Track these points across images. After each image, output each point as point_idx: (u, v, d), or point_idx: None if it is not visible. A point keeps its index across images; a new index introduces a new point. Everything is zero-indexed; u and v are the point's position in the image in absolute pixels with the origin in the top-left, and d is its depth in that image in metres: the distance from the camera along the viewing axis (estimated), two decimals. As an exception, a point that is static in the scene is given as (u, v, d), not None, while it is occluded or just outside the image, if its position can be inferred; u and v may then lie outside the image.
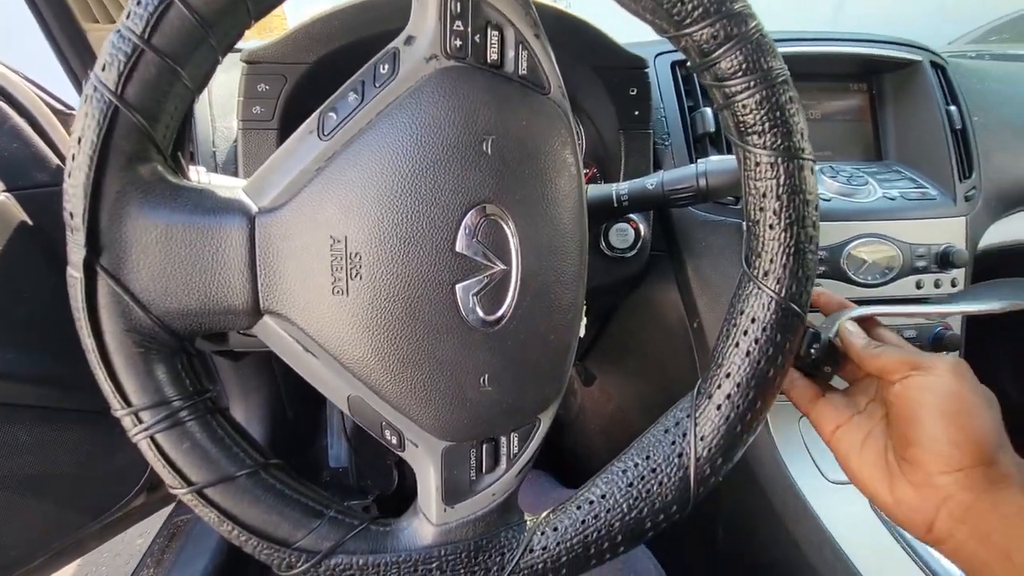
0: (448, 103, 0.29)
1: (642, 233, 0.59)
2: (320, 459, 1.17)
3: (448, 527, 0.33)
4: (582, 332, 0.47)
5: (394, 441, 0.33)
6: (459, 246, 0.29)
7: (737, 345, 0.33)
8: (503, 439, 0.33)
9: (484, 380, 0.31)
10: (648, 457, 0.34)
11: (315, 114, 0.30)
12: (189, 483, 0.30)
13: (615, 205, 0.47)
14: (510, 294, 0.30)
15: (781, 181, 0.31)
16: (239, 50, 0.53)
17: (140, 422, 0.29)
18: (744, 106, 0.30)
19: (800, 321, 0.33)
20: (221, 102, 0.57)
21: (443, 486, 0.32)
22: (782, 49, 0.66)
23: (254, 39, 0.54)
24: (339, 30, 0.49)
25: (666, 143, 0.61)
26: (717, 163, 0.44)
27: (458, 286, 0.30)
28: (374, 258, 0.29)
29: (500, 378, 0.31)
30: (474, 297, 0.30)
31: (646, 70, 0.56)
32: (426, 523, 0.33)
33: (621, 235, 0.58)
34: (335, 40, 0.50)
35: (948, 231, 0.62)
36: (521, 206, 0.30)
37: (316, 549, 0.31)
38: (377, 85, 0.30)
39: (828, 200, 0.61)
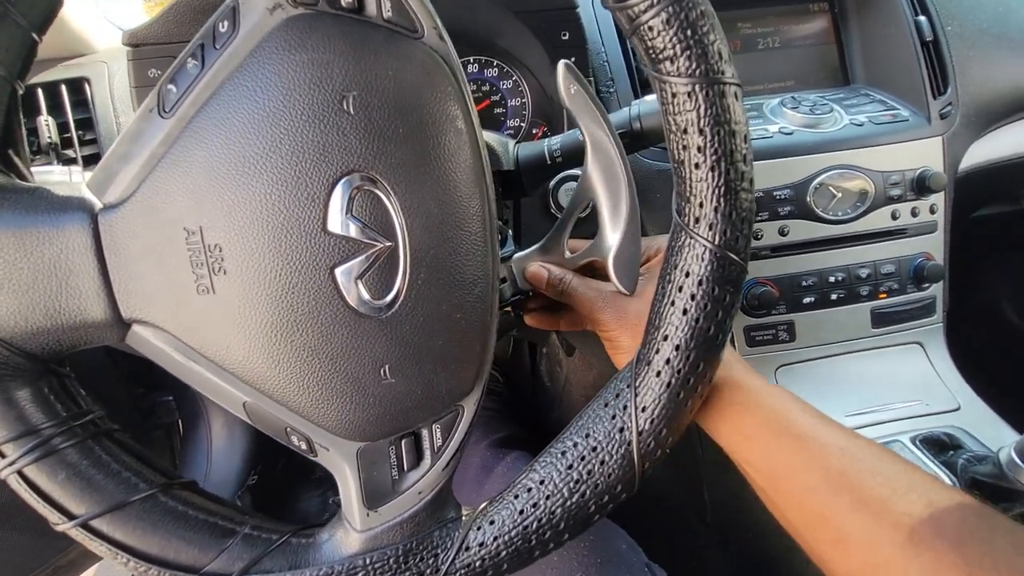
0: (297, 58, 0.25)
1: (593, 191, 0.55)
2: (313, 456, 1.16)
3: (373, 532, 0.30)
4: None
5: (303, 447, 0.30)
6: (331, 225, 0.26)
7: (673, 304, 0.30)
8: (424, 432, 0.30)
9: (385, 371, 0.28)
10: (588, 435, 0.31)
11: (155, 88, 0.26)
12: (71, 516, 0.27)
13: (548, 162, 0.43)
14: (400, 273, 0.27)
15: (701, 112, 0.27)
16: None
17: (3, 456, 0.26)
18: (651, 28, 0.26)
19: (740, 270, 0.29)
20: (122, 95, 0.52)
21: (363, 489, 0.30)
22: (732, -29, 0.61)
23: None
24: (225, -2, 0.44)
25: (611, 90, 0.56)
26: (651, 103, 0.40)
27: (337, 270, 0.26)
28: (237, 249, 0.25)
29: (403, 367, 0.28)
30: (358, 281, 0.26)
31: (576, 10, 0.51)
32: (350, 531, 0.30)
33: (570, 195, 0.54)
34: (224, 11, 0.45)
35: (923, 154, 0.58)
36: (399, 171, 0.26)
37: (227, 571, 0.29)
38: (217, 47, 0.26)
39: (790, 133, 0.56)
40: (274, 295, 0.26)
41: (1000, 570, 0.24)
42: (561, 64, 0.34)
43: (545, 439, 0.33)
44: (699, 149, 0.28)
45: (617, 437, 0.30)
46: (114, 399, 0.89)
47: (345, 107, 0.25)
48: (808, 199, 0.55)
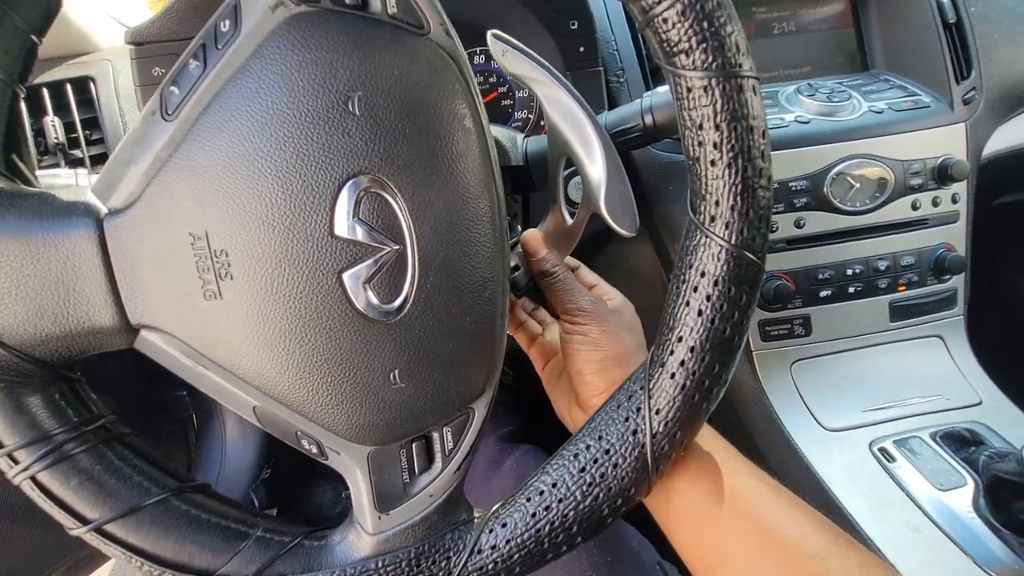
0: (300, 58, 0.24)
1: (603, 184, 0.54)
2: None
3: (385, 535, 0.30)
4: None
5: (314, 450, 0.30)
6: (338, 229, 0.25)
7: (688, 304, 0.29)
8: (435, 435, 0.30)
9: (395, 376, 0.27)
10: (600, 437, 0.30)
11: (157, 90, 0.26)
12: (85, 521, 0.27)
13: (558, 156, 0.42)
14: (409, 277, 0.26)
15: (718, 107, 0.26)
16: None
17: (16, 463, 0.26)
18: (665, 20, 0.25)
19: (757, 270, 0.28)
20: (127, 94, 0.52)
21: (374, 492, 0.29)
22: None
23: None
24: (227, -6, 0.44)
25: (621, 79, 0.55)
26: (663, 95, 0.38)
27: (345, 275, 0.25)
28: (243, 254, 0.25)
29: (412, 373, 0.27)
30: (366, 285, 0.26)
31: (585, -2, 0.50)
32: (362, 534, 0.30)
33: (580, 189, 0.53)
34: (227, 6, 0.44)
35: (946, 141, 0.56)
36: (406, 173, 0.25)
37: (240, 574, 0.29)
38: (219, 47, 0.25)
39: (807, 122, 0.55)
40: (281, 301, 0.25)
41: None
42: (489, 35, 0.33)
43: (554, 433, 0.32)
44: (715, 145, 0.27)
45: (631, 440, 0.29)
46: (127, 395, 0.90)
47: (350, 108, 0.24)
48: (825, 190, 0.53)
